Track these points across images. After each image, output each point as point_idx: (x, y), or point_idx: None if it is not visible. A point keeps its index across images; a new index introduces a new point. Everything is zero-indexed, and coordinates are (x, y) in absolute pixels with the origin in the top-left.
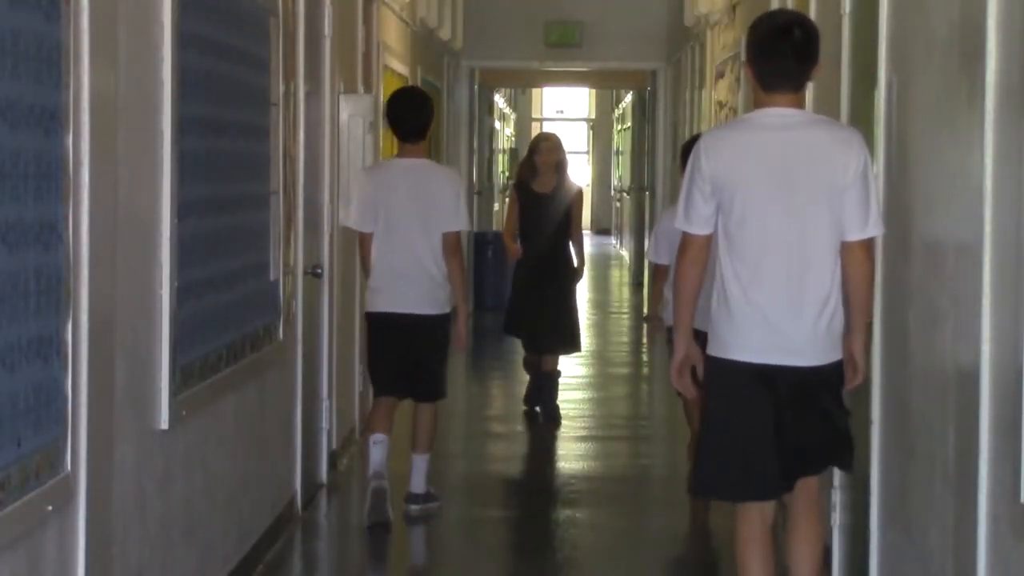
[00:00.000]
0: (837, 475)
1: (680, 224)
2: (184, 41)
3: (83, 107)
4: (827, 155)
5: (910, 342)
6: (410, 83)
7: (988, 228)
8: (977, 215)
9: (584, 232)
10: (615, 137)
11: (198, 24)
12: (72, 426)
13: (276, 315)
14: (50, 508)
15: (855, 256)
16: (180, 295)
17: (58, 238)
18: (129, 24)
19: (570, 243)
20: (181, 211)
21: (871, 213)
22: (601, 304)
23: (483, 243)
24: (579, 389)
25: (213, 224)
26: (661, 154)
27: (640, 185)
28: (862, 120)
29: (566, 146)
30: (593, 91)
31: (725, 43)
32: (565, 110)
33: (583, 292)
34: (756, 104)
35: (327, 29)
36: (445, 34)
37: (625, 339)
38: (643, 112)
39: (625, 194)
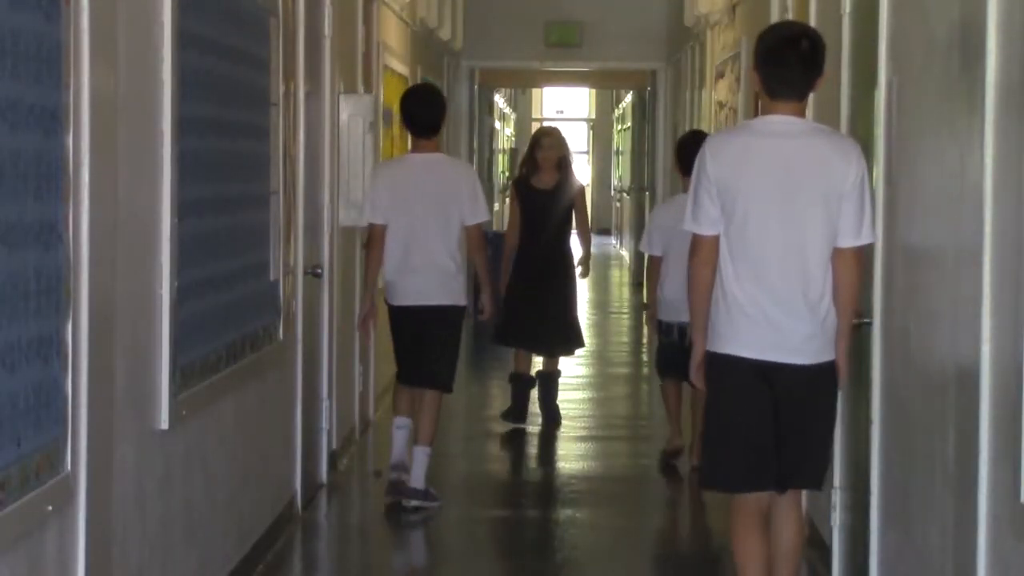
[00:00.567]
0: (837, 475)
1: (689, 226)
2: (184, 41)
3: (83, 107)
4: (828, 164)
5: (910, 342)
6: (410, 83)
7: (988, 228)
8: (977, 215)
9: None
10: (615, 137)
11: (198, 24)
12: (72, 426)
13: (276, 315)
14: (50, 508)
15: (846, 261)
16: (180, 295)
17: (58, 238)
18: (129, 24)
19: (569, 241)
20: (181, 211)
21: (865, 221)
22: (601, 304)
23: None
24: (579, 389)
25: (213, 224)
26: (661, 154)
27: (640, 185)
28: (862, 120)
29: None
30: (593, 91)
31: (725, 43)
32: (565, 110)
33: (583, 292)
34: (762, 110)
35: (327, 29)
36: (445, 34)
37: (625, 339)
38: (643, 112)
39: (625, 194)
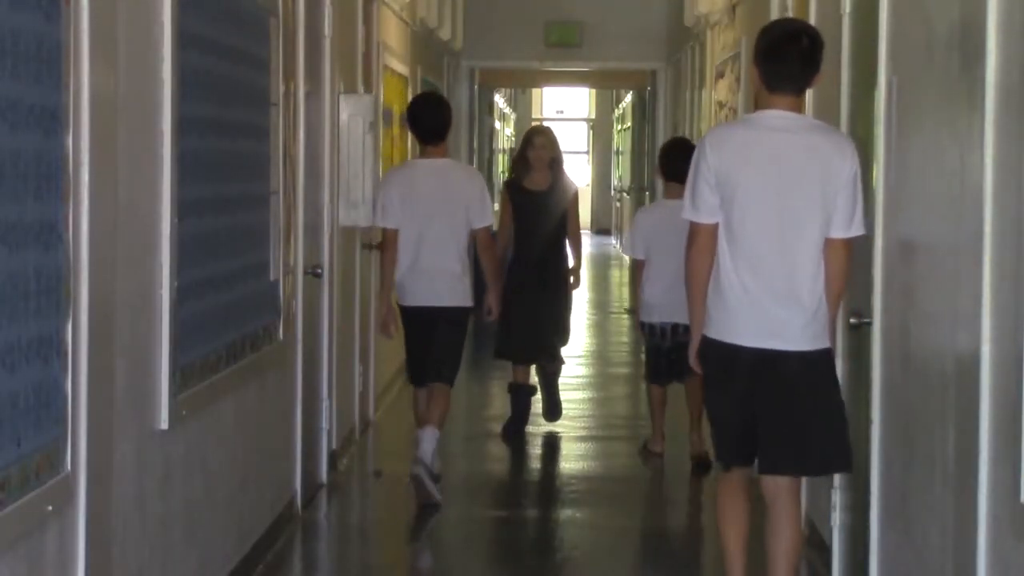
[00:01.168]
0: (837, 475)
1: (688, 214)
2: (184, 41)
3: (83, 107)
4: (824, 158)
5: (910, 342)
6: (410, 83)
7: (988, 228)
8: (977, 215)
9: (584, 232)
10: (615, 137)
11: (198, 24)
12: (72, 426)
13: (276, 315)
14: (50, 508)
15: (837, 252)
16: (180, 295)
17: (58, 238)
18: (129, 24)
19: (564, 246)
20: (181, 211)
21: (857, 215)
22: (601, 304)
23: None
24: (579, 389)
25: (213, 224)
26: None
27: (640, 185)
28: (862, 120)
29: (565, 145)
30: (593, 91)
31: (725, 43)
32: (565, 110)
33: (583, 292)
34: (759, 104)
35: (327, 29)
36: (445, 34)
37: (625, 339)
38: (643, 112)
39: (625, 194)
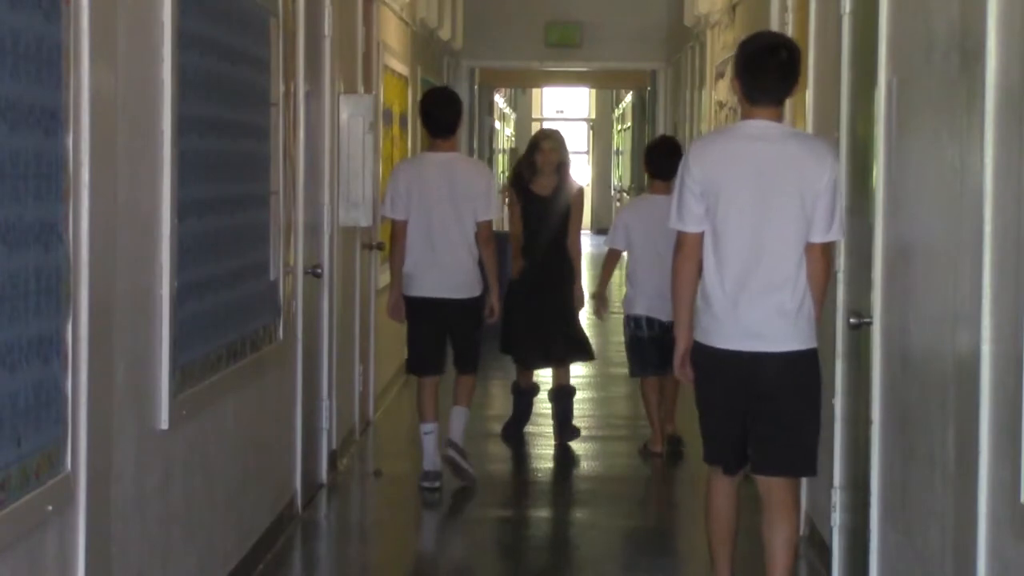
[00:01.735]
0: (837, 475)
1: (674, 224)
2: (184, 41)
3: (83, 107)
4: (803, 166)
5: (910, 342)
6: (410, 83)
7: (988, 228)
8: (977, 215)
9: (584, 232)
10: (615, 137)
11: (198, 24)
12: (72, 426)
13: (276, 315)
14: (50, 508)
15: (814, 256)
16: (180, 295)
17: (58, 238)
18: (129, 24)
19: (567, 247)
20: (181, 211)
21: (835, 220)
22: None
23: None
24: (579, 389)
25: (213, 224)
26: None
27: (640, 185)
28: (862, 120)
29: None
30: (593, 91)
31: (725, 43)
32: (565, 110)
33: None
34: (742, 115)
35: (327, 29)
36: (445, 34)
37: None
38: (643, 112)
39: (625, 194)
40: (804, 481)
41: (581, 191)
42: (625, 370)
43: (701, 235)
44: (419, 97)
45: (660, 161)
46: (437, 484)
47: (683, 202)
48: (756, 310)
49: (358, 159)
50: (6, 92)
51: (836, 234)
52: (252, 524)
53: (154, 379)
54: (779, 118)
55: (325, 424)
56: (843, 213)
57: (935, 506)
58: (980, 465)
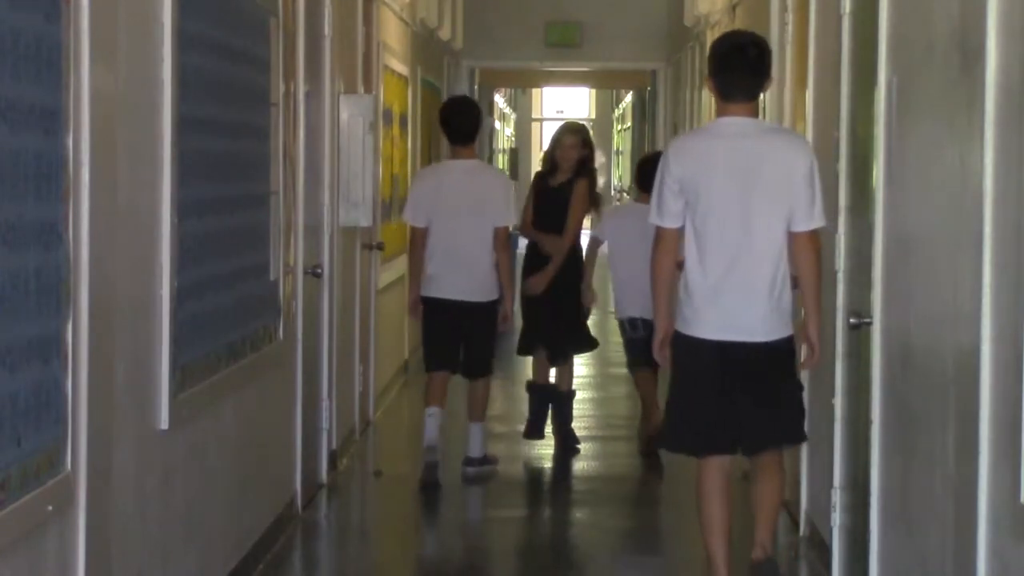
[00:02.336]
0: (837, 475)
1: (653, 219)
2: (184, 41)
3: (83, 107)
4: (778, 159)
5: (910, 342)
6: (410, 83)
7: (988, 228)
8: (977, 215)
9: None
10: (615, 137)
11: (198, 24)
12: (72, 426)
13: (276, 315)
14: (50, 508)
15: (803, 244)
16: (180, 295)
17: (58, 238)
18: (129, 24)
19: (578, 239)
20: (181, 211)
21: (816, 207)
22: (600, 304)
23: None
24: (579, 389)
25: (213, 224)
26: None
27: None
28: (862, 120)
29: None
30: (593, 91)
31: None
32: (565, 110)
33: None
34: (717, 112)
35: (327, 29)
36: (445, 34)
37: None
38: (643, 112)
39: (625, 194)
40: (804, 481)
41: (584, 183)
42: (625, 370)
43: (679, 230)
44: (419, 97)
45: (649, 177)
46: (436, 459)
47: (662, 199)
48: (737, 302)
49: (358, 159)
50: (6, 92)
51: (819, 220)
52: (252, 524)
53: (154, 379)
54: (754, 114)
55: (325, 424)
56: (822, 201)
57: (935, 506)
58: (980, 465)
